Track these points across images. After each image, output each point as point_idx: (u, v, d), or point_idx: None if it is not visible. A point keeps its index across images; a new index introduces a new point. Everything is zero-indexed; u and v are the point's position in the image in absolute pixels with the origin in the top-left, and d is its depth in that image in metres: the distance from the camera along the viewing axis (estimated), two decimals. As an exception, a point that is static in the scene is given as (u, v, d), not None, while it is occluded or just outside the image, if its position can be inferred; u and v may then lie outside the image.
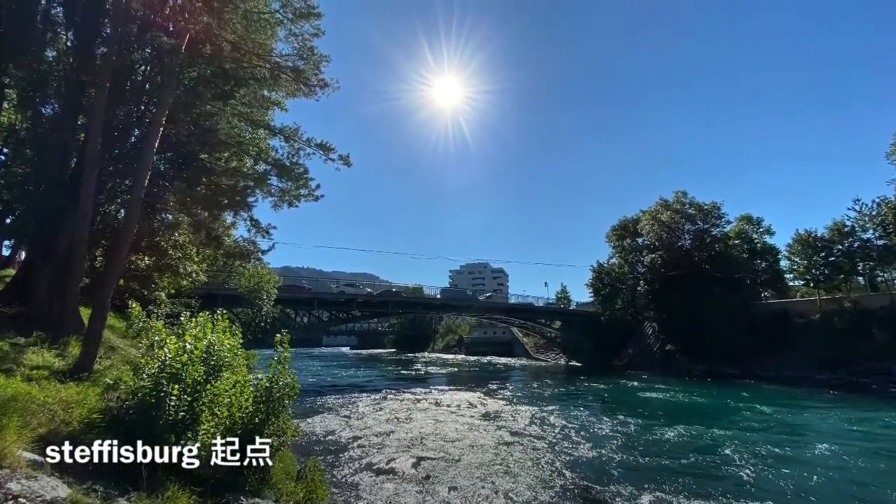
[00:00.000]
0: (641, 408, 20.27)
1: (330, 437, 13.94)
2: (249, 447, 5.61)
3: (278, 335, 6.30)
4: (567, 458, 11.51)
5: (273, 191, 11.92)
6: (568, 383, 32.24)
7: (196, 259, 13.68)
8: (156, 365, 5.05)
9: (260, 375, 6.18)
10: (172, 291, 13.99)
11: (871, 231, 35.92)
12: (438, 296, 53.84)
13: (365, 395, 24.21)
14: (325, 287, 48.33)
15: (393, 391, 26.15)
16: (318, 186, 12.21)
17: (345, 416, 17.60)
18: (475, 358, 64.19)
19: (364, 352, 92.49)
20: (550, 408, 19.74)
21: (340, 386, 29.70)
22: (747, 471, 10.35)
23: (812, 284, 39.97)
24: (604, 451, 12.16)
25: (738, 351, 36.12)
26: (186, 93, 10.10)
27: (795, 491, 9.05)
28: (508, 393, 25.94)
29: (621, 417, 17.19)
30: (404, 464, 10.91)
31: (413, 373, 42.60)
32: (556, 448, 12.66)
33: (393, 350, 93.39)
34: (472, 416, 17.69)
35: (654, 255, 47.25)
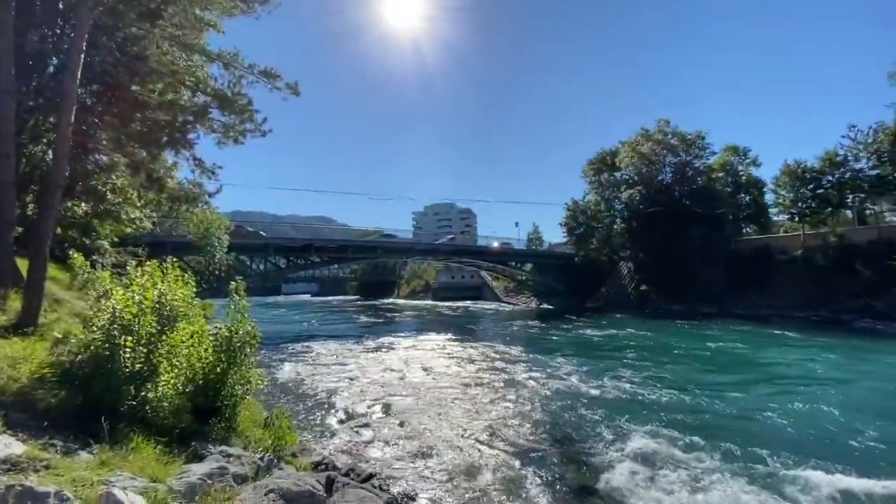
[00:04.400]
0: (608, 348, 22.15)
1: (297, 384, 14.76)
2: (213, 396, 6.08)
3: (233, 283, 6.54)
4: (537, 398, 12.71)
5: (216, 126, 11.47)
6: (538, 326, 34.24)
7: (138, 204, 13.43)
8: (106, 317, 5.23)
9: (218, 325, 6.47)
10: (116, 240, 13.94)
11: (864, 160, 37.28)
12: (402, 238, 54.39)
13: (330, 342, 25.17)
14: (280, 231, 48.11)
15: (359, 338, 27.28)
16: (264, 120, 11.82)
17: (311, 364, 18.45)
18: (443, 303, 66.36)
19: (325, 299, 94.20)
20: (519, 350, 21.26)
21: (304, 334, 30.63)
22: (707, 406, 11.79)
23: (797, 219, 41.96)
24: (570, 391, 13.46)
25: (716, 289, 38.57)
26: (107, 13, 9.28)
27: (757, 429, 10.41)
28: (477, 337, 27.53)
29: (587, 358, 18.78)
30: (375, 408, 11.84)
31: (378, 319, 44.11)
32: (524, 388, 13.90)
33: (356, 297, 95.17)
34: (441, 361, 18.90)
35: (632, 191, 48.26)
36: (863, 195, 38.88)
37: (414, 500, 6.56)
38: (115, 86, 10.14)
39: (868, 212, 41.52)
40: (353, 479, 6.21)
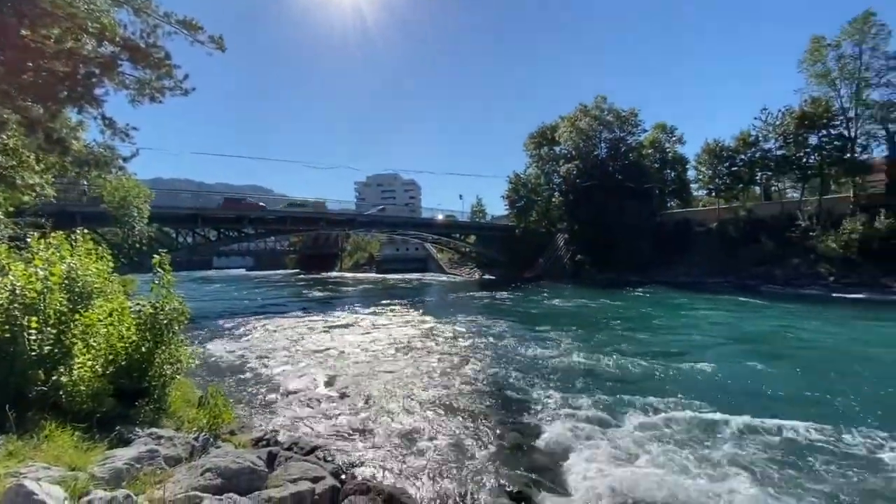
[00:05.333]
0: (543, 315, 23.40)
1: (237, 362, 14.20)
2: (139, 377, 5.70)
3: (156, 256, 6.05)
4: (478, 364, 13.17)
5: (128, 81, 10.16)
6: (479, 296, 35.36)
7: (37, 168, 11.82)
8: (4, 296, 4.67)
9: (142, 302, 6.01)
10: (11, 209, 12.26)
11: (772, 141, 41.25)
12: (344, 210, 53.15)
13: (269, 317, 24.34)
14: (211, 201, 45.16)
15: (301, 312, 26.62)
16: (186, 77, 10.66)
17: (251, 341, 17.80)
18: (388, 276, 66.39)
19: (263, 273, 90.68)
20: (460, 319, 21.86)
21: (240, 310, 29.32)
22: (631, 365, 12.84)
23: (714, 194, 46.17)
24: (509, 357, 14.10)
25: (643, 260, 41.75)
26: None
27: (674, 385, 11.54)
28: (421, 308, 27.87)
29: (523, 325, 19.83)
30: (319, 381, 11.70)
31: (320, 293, 43.23)
32: (465, 355, 14.36)
33: (295, 271, 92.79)
34: (386, 332, 18.96)
35: (570, 165, 50.61)
36: (769, 173, 43.25)
37: (360, 467, 6.64)
38: (-1, 28, 8.66)
39: (773, 188, 46.34)
40: (296, 452, 6.16)
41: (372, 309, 27.53)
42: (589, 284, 39.52)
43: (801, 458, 6.74)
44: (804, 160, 39.04)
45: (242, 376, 12.54)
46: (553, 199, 54.68)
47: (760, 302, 25.80)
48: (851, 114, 36.26)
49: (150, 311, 5.80)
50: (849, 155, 36.05)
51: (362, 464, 6.81)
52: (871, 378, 10.95)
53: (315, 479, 4.55)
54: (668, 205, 52.82)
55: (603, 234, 44.81)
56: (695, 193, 53.95)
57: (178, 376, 6.44)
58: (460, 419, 8.88)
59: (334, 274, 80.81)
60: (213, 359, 14.54)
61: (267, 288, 51.12)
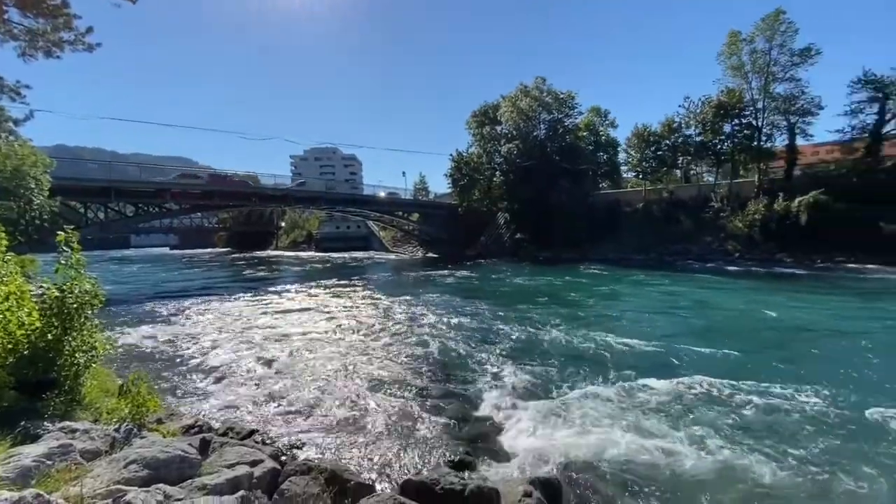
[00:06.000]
0: (482, 291, 24.12)
1: (162, 347, 13.28)
2: (45, 367, 5.15)
3: (60, 234, 5.39)
4: (418, 340, 13.32)
5: (16, 31, 8.79)
6: (421, 274, 35.67)
7: None
8: None
9: (46, 284, 5.38)
10: None
11: (693, 128, 44.57)
12: (279, 185, 50.51)
13: (201, 299, 22.92)
14: (126, 173, 40.99)
15: (235, 293, 25.31)
16: (89, 30, 9.45)
17: (178, 324, 16.69)
18: (328, 254, 64.71)
19: (189, 252, 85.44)
20: (402, 296, 21.96)
21: (165, 292, 27.27)
22: (563, 337, 13.60)
23: (641, 176, 49.36)
24: (447, 333, 14.39)
25: (578, 238, 43.98)
26: None
27: (604, 352, 12.35)
28: (363, 286, 27.57)
29: (462, 301, 20.47)
30: (256, 364, 11.25)
31: (254, 273, 41.38)
32: (405, 332, 14.49)
33: (226, 249, 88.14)
34: (326, 311, 18.58)
35: (511, 145, 51.79)
36: (690, 158, 46.88)
37: (302, 447, 6.54)
38: None
39: (693, 172, 50.40)
40: (232, 437, 5.93)
41: (312, 289, 26.78)
42: (528, 262, 41.02)
43: (710, 409, 7.60)
44: (719, 146, 42.63)
45: (172, 362, 11.78)
46: (495, 179, 55.66)
47: (676, 275, 28.30)
48: (760, 105, 39.84)
49: (56, 294, 5.21)
50: (756, 143, 39.77)
51: (304, 444, 6.71)
52: (766, 338, 12.58)
53: (253, 463, 4.41)
54: (601, 186, 55.58)
55: (541, 213, 46.51)
56: (624, 175, 57.20)
57: (93, 364, 5.90)
58: (403, 394, 8.98)
59: (270, 253, 77.34)
60: (137, 345, 13.51)
61: (197, 268, 47.97)
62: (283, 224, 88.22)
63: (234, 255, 71.26)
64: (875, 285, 22.37)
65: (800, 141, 39.10)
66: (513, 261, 42.69)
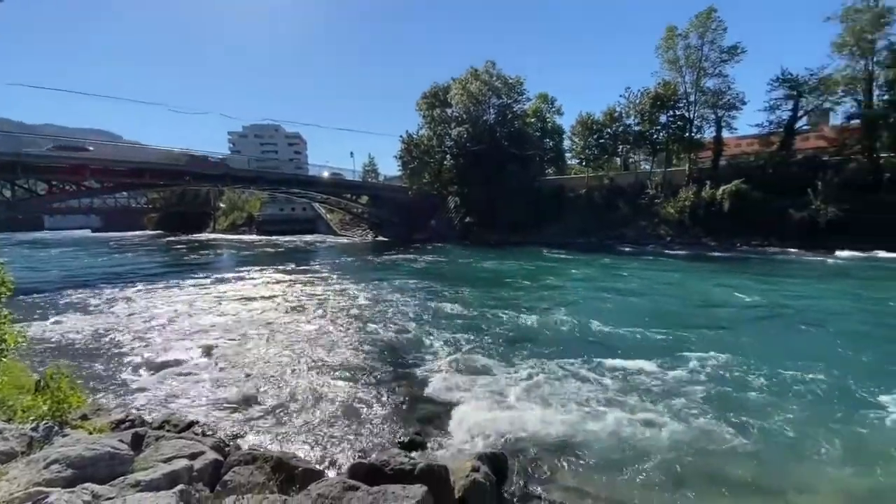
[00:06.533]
0: (430, 274, 24.41)
1: (86, 339, 12.26)
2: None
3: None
4: (364, 323, 13.28)
5: None
6: (369, 257, 35.51)
7: None
8: None
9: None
10: None
11: (632, 117, 46.59)
12: (214, 161, 47.31)
13: (130, 285, 21.30)
14: (37, 146, 36.78)
15: (169, 279, 23.74)
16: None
17: (105, 313, 15.48)
18: (273, 238, 62.07)
19: (115, 235, 78.68)
20: (349, 280, 21.82)
21: (88, 278, 24.99)
22: (506, 318, 14.05)
23: (584, 163, 51.23)
24: (394, 315, 14.41)
25: (525, 222, 45.11)
26: None
27: (543, 327, 12.87)
28: (308, 271, 26.88)
29: (410, 282, 20.71)
30: (194, 353, 10.68)
31: (192, 257, 39.17)
32: (351, 315, 14.41)
33: (158, 232, 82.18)
34: (269, 297, 17.94)
35: (461, 129, 51.85)
36: (629, 146, 49.17)
37: (246, 437, 6.35)
38: None
39: (631, 160, 52.99)
40: (168, 430, 5.65)
41: (252, 273, 25.59)
42: (477, 245, 41.67)
43: (643, 382, 8.22)
44: (655, 136, 45.01)
45: (99, 355, 10.93)
46: (445, 162, 55.46)
47: (613, 258, 30.08)
48: (692, 98, 42.35)
49: (-45, 281, 4.65)
50: (688, 134, 42.40)
51: (247, 434, 6.52)
52: (689, 313, 13.76)
53: (193, 456, 4.22)
54: (547, 172, 57.06)
55: (490, 197, 47.19)
56: (569, 162, 59.05)
57: (3, 359, 5.35)
58: (353, 379, 8.92)
59: (209, 236, 72.96)
60: (57, 338, 12.38)
61: (121, 252, 44.35)
62: (221, 205, 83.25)
63: (168, 239, 66.54)
64: (795, 268, 24.50)
65: (725, 133, 42.13)
66: (462, 244, 43.17)
